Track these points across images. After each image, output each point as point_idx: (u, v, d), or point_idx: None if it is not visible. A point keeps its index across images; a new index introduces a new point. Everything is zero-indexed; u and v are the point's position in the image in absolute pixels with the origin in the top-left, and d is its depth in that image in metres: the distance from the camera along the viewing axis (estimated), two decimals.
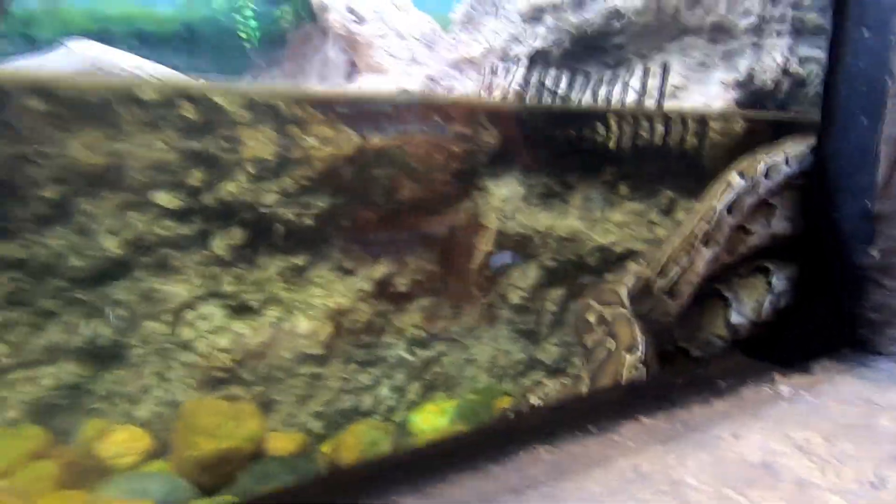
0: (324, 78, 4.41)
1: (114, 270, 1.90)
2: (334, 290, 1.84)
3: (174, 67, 4.09)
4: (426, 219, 1.88)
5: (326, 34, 5.37)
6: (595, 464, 0.92)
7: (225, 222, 1.89)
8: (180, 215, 1.90)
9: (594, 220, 1.73)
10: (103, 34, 5.28)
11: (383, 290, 1.84)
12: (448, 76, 2.44)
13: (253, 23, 5.46)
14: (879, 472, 0.90)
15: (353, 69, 4.27)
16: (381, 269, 1.86)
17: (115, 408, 1.81)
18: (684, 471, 0.92)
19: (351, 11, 3.51)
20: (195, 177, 1.89)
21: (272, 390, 1.78)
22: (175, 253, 1.90)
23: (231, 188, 1.88)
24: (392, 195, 1.87)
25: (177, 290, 1.88)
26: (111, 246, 1.89)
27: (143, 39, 5.20)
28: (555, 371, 1.79)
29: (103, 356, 1.88)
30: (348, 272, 1.88)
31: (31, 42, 4.90)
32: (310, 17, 5.76)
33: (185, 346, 1.82)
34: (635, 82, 2.00)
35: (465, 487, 0.85)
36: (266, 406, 1.77)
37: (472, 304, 1.89)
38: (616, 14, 1.95)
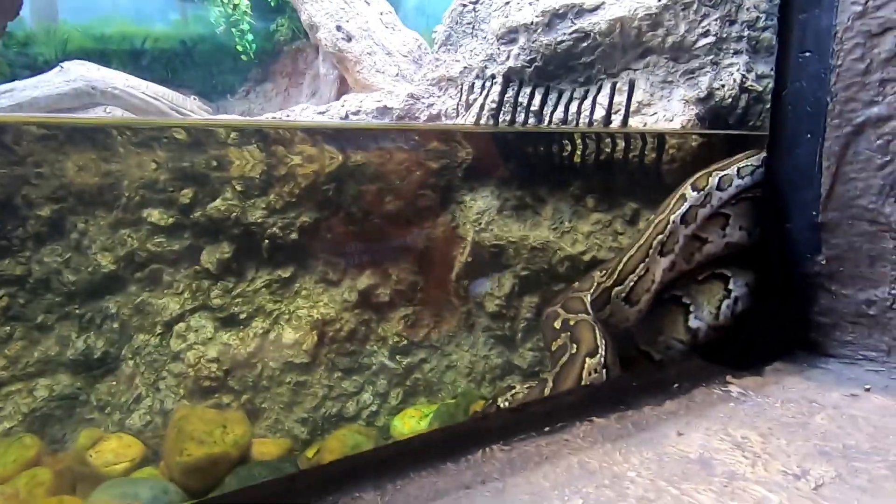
0: (315, 91, 4.53)
1: (108, 285, 1.98)
2: (319, 301, 1.92)
3: (169, 84, 4.20)
4: (406, 231, 1.97)
5: (318, 50, 5.49)
6: (545, 461, 0.99)
7: (214, 237, 1.98)
8: (171, 231, 1.99)
9: (564, 231, 1.82)
10: (101, 53, 5.39)
11: (366, 299, 1.93)
12: (429, 94, 2.54)
13: (249, 36, 5.58)
14: (803, 465, 0.97)
15: (342, 83, 4.38)
16: (364, 280, 1.95)
17: (108, 417, 1.89)
18: (627, 466, 0.99)
19: (339, 30, 3.62)
20: (185, 194, 1.98)
21: (259, 398, 1.86)
22: (166, 267, 1.99)
23: (219, 205, 1.97)
24: (373, 209, 1.96)
25: (168, 303, 1.96)
26: (105, 261, 1.97)
27: (140, 57, 5.32)
28: (530, 375, 1.87)
29: (97, 367, 1.96)
30: (333, 283, 1.96)
31: (32, 60, 5.02)
32: (306, 35, 5.89)
33: (176, 356, 1.90)
34: (603, 99, 2.09)
35: (423, 484, 0.93)
36: (253, 413, 1.84)
37: (452, 312, 1.97)
38: (583, 35, 2.05)
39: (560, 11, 2.09)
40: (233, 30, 5.53)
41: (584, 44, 2.08)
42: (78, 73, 3.18)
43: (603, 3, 2.04)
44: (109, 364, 1.96)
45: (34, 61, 5.09)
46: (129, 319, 1.97)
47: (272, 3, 5.65)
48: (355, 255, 1.96)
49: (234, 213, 1.97)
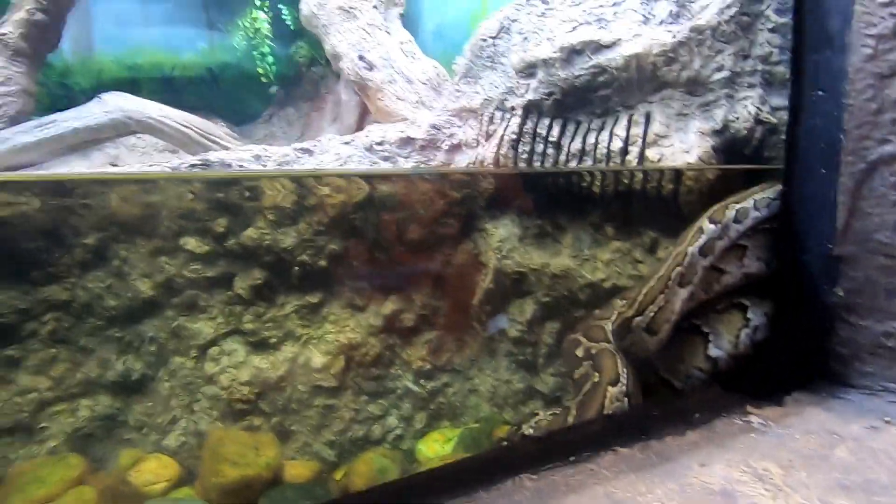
0: (336, 117, 4.68)
1: (147, 310, 2.08)
2: (346, 326, 1.99)
3: (197, 110, 4.38)
4: (430, 258, 2.04)
5: (339, 77, 5.67)
6: (572, 490, 1.04)
7: (246, 264, 2.07)
8: (206, 258, 2.09)
9: (584, 259, 1.87)
10: (133, 81, 5.64)
11: (391, 324, 2.00)
12: (450, 124, 2.63)
13: (270, 59, 5.78)
14: (824, 498, 1.01)
15: (363, 109, 4.52)
16: (389, 306, 2.02)
17: (145, 437, 1.97)
18: (652, 497, 1.03)
19: (362, 59, 3.76)
20: (220, 224, 2.08)
21: (288, 421, 1.93)
22: (201, 293, 2.09)
23: (252, 233, 2.07)
24: (398, 236, 2.04)
25: (202, 327, 2.05)
26: (144, 287, 2.08)
27: (169, 85, 5.55)
28: (551, 401, 1.91)
29: (135, 389, 2.05)
30: (359, 309, 2.04)
31: (69, 89, 5.27)
32: (326, 61, 6.09)
33: (210, 379, 1.99)
34: (620, 130, 2.16)
35: None
36: (283, 435, 1.91)
37: (474, 337, 2.03)
38: (601, 70, 2.13)
39: (578, 48, 2.18)
40: (254, 53, 5.74)
41: (602, 78, 2.15)
42: (115, 104, 3.35)
43: (619, 39, 2.12)
44: (146, 386, 2.05)
45: (71, 90, 5.34)
46: (165, 343, 2.06)
47: (292, 27, 5.84)
48: (380, 282, 2.04)
49: (266, 242, 2.07)
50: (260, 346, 2.01)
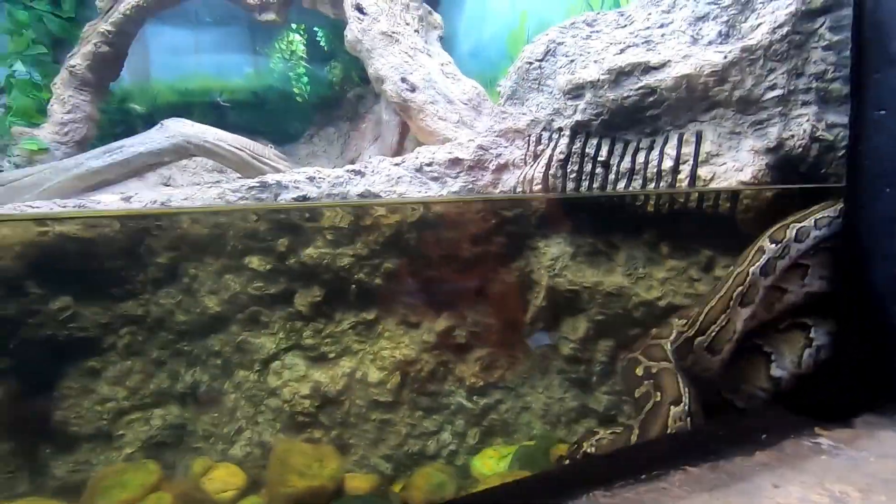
0: (377, 136, 4.82)
1: (213, 325, 2.20)
2: (401, 343, 2.05)
3: (244, 132, 4.60)
4: (482, 276, 2.09)
5: (379, 96, 5.85)
6: None
7: (306, 282, 2.17)
8: (269, 276, 2.20)
9: (638, 277, 1.89)
10: (186, 106, 5.98)
11: (444, 341, 2.05)
12: (497, 144, 2.70)
13: (304, 79, 6.00)
14: None
15: (403, 129, 4.65)
16: (441, 323, 2.07)
17: (212, 447, 2.07)
18: None
19: (404, 81, 3.89)
20: (282, 243, 2.19)
21: (347, 434, 1.99)
22: (264, 309, 2.19)
23: (311, 252, 2.17)
24: (451, 255, 2.10)
25: (265, 342, 2.15)
26: (211, 304, 2.20)
27: (218, 108, 5.85)
28: (606, 419, 1.91)
29: (202, 400, 2.16)
30: (413, 325, 2.10)
31: (128, 115, 5.62)
32: (361, 80, 6.29)
33: (272, 392, 2.07)
34: (671, 149, 2.17)
35: None
36: (342, 448, 1.97)
37: (526, 354, 2.06)
38: (650, 91, 2.16)
39: (626, 70, 2.22)
40: (290, 74, 5.96)
41: (651, 99, 2.18)
42: (176, 130, 3.57)
43: (668, 61, 2.15)
44: (212, 397, 2.15)
45: (129, 116, 5.69)
46: (230, 357, 2.17)
47: (325, 48, 6.03)
48: (433, 299, 2.10)
49: (325, 260, 2.16)
50: (319, 360, 2.09)
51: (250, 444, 2.02)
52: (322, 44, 5.70)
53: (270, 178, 2.82)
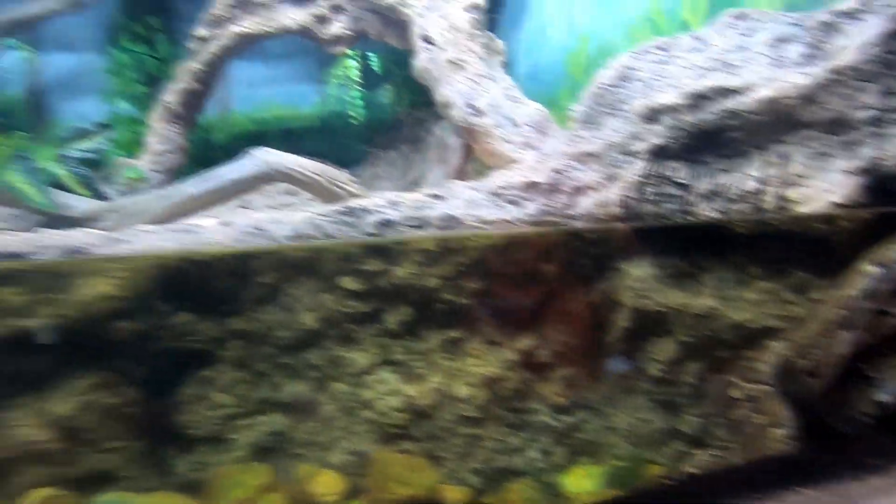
0: (442, 159, 5.00)
1: (310, 340, 2.38)
2: (486, 360, 2.15)
3: (313, 156, 4.90)
4: (565, 295, 2.16)
5: (439, 119, 6.07)
6: None
7: (395, 302, 2.31)
8: (361, 296, 2.36)
9: (728, 299, 1.89)
10: (261, 134, 6.44)
11: (528, 360, 2.12)
12: (571, 168, 2.78)
13: (359, 102, 6.27)
14: None
15: (468, 151, 4.80)
16: (525, 342, 2.15)
17: (311, 453, 2.22)
18: None
19: (470, 106, 4.05)
20: (373, 264, 2.35)
21: (437, 447, 2.09)
22: (356, 327, 2.35)
23: (401, 273, 2.31)
24: (534, 275, 2.19)
25: (357, 357, 2.30)
26: (308, 320, 2.38)
27: (290, 135, 6.28)
28: (696, 441, 1.91)
29: (301, 410, 2.33)
30: (497, 344, 2.19)
31: (209, 145, 6.12)
32: (423, 104, 6.54)
33: (366, 404, 2.21)
34: (754, 171, 2.18)
35: None
36: (433, 461, 2.07)
37: (610, 374, 2.10)
38: (732, 114, 2.18)
39: (706, 94, 2.26)
40: (345, 97, 6.23)
41: (733, 122, 2.21)
42: (262, 159, 3.87)
43: (750, 84, 2.17)
44: (311, 408, 2.31)
45: (211, 144, 6.20)
46: (326, 370, 2.33)
47: (378, 72, 6.26)
48: (517, 319, 2.18)
49: (413, 281, 2.30)
50: (409, 376, 2.21)
51: (347, 453, 2.16)
52: (374, 68, 5.94)
53: (355, 202, 3.02)
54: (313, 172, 3.95)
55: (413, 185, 6.13)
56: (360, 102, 6.41)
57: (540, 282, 2.15)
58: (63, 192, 4.20)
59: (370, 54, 6.41)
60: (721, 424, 1.73)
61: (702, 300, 1.93)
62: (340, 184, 4.08)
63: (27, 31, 5.32)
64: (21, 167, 3.94)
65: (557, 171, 2.82)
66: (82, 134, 4.51)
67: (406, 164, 6.25)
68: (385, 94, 6.65)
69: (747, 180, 2.15)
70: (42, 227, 4.09)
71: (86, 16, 5.43)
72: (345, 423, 2.22)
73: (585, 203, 2.73)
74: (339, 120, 6.42)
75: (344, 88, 6.29)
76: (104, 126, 4.85)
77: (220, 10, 4.90)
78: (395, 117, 6.65)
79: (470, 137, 4.28)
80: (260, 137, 6.41)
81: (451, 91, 4.35)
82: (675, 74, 2.52)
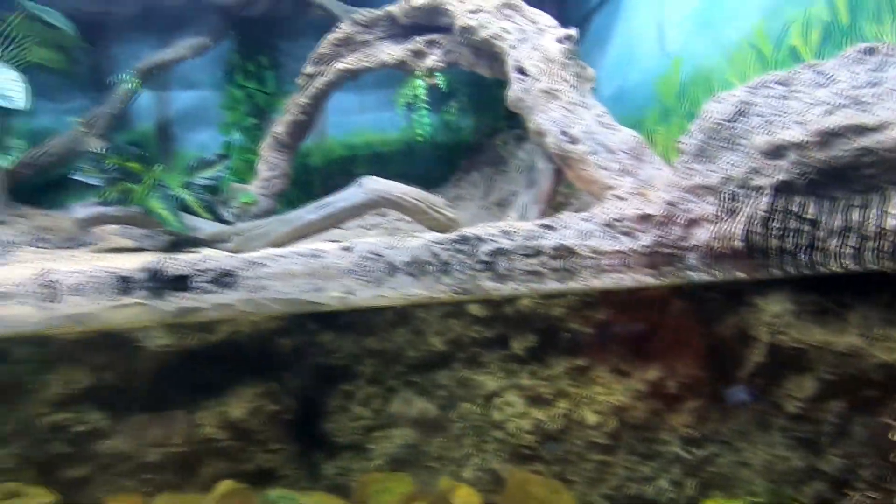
0: (531, 182, 5.13)
1: (438, 362, 2.56)
2: (614, 389, 2.23)
3: (399, 178, 5.18)
4: (695, 327, 2.21)
5: (521, 141, 6.22)
6: None
7: (521, 328, 2.46)
8: (487, 322, 2.52)
9: (875, 338, 1.88)
10: (352, 159, 6.87)
11: (657, 391, 2.19)
12: (686, 201, 2.83)
13: (427, 119, 6.35)
14: None
15: (558, 175, 4.91)
16: (653, 372, 2.22)
17: (443, 468, 2.39)
18: None
19: (565, 134, 4.17)
20: (498, 292, 2.51)
21: (567, 471, 2.19)
22: (483, 351, 2.51)
23: (526, 301, 2.45)
24: (662, 306, 2.26)
25: (485, 380, 2.46)
26: (437, 343, 2.57)
27: (378, 158, 6.67)
28: (840, 482, 1.89)
29: (431, 426, 2.51)
30: (624, 373, 2.27)
31: (307, 169, 6.60)
32: (499, 126, 6.72)
33: (496, 425, 2.35)
34: (893, 209, 2.15)
35: None
36: (565, 484, 2.17)
37: (744, 409, 2.12)
38: (866, 151, 2.17)
39: (837, 132, 2.26)
40: (413, 116, 6.35)
41: (867, 159, 2.20)
42: (371, 187, 4.18)
43: (888, 122, 2.16)
44: (441, 424, 2.49)
45: (309, 169, 6.69)
46: (454, 390, 2.50)
47: (444, 91, 6.33)
48: (645, 349, 2.25)
49: (539, 309, 2.43)
50: (537, 400, 2.34)
51: (479, 470, 2.30)
52: (441, 86, 5.98)
53: (468, 231, 3.21)
54: (415, 199, 4.21)
55: (496, 207, 6.31)
56: (427, 121, 6.55)
57: (670, 313, 2.22)
58: (189, 216, 4.70)
59: (438, 74, 6.55)
60: (872, 465, 1.71)
61: (846, 338, 1.92)
62: (439, 209, 4.31)
63: (163, 73, 6.04)
64: (159, 194, 4.47)
65: (671, 204, 2.88)
66: (205, 163, 5.04)
67: (488, 186, 6.45)
68: (450, 112, 6.83)
69: (887, 217, 2.13)
70: (169, 248, 4.59)
71: (205, 58, 6.08)
72: (476, 441, 2.37)
73: (702, 235, 2.77)
74: (423, 144, 6.73)
75: (413, 107, 6.39)
76: (223, 156, 5.39)
77: (326, 49, 5.34)
78: (476, 140, 6.88)
79: (564, 164, 4.40)
80: (351, 161, 6.86)
81: (545, 119, 4.49)
82: (797, 110, 2.53)
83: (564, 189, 5.51)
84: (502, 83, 5.44)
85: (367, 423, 2.49)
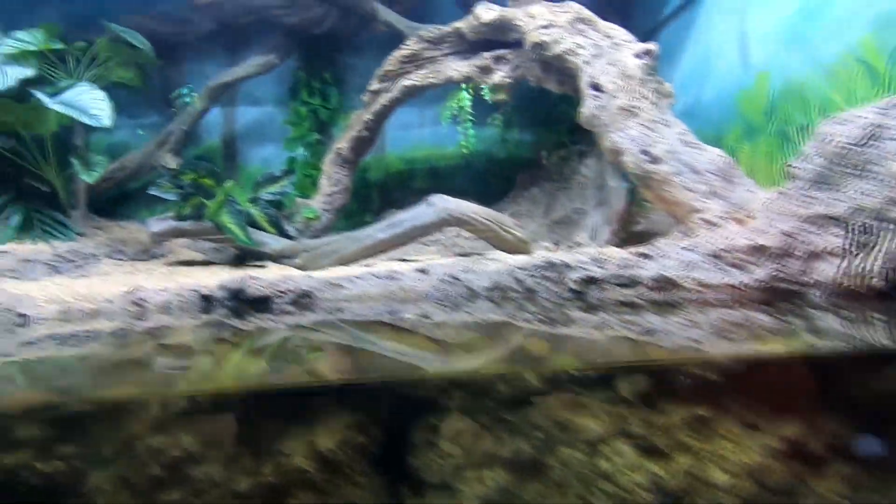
0: (601, 201, 4.93)
1: (533, 400, 2.38)
2: (745, 445, 1.99)
3: (456, 193, 5.05)
4: (841, 380, 1.96)
5: (583, 158, 6.01)
6: None
7: (629, 369, 2.25)
8: None
9: None
10: (410, 173, 6.82)
11: (797, 450, 1.94)
12: (805, 231, 2.58)
13: (471, 131, 6.23)
14: None
15: (632, 196, 4.69)
16: (791, 429, 1.97)
17: None
18: None
19: (645, 153, 3.96)
20: None
21: None
22: (584, 391, 2.32)
23: None
24: (800, 360, 2.01)
25: (588, 423, 2.26)
26: (532, 379, 2.39)
27: (436, 173, 6.60)
28: None
29: (526, 469, 2.33)
30: (754, 427, 2.03)
31: (366, 183, 6.59)
32: (561, 142, 6.53)
33: (604, 476, 2.15)
34: None
35: None
36: None
37: None
38: None
39: None
40: (458, 127, 6.25)
41: None
42: (441, 206, 4.08)
43: None
44: (536, 468, 2.30)
45: (367, 183, 6.69)
46: (552, 432, 2.31)
47: (490, 103, 6.19)
48: (780, 400, 2.01)
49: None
50: (651, 451, 2.12)
51: None
52: (486, 98, 5.87)
53: (554, 257, 3.04)
54: (485, 218, 4.08)
55: (556, 224, 6.10)
56: (472, 133, 6.45)
57: (808, 364, 1.98)
58: (255, 230, 4.72)
59: (482, 86, 6.43)
60: None
61: None
62: (509, 229, 4.17)
63: (232, 90, 6.18)
64: (229, 209, 4.50)
65: (789, 235, 2.63)
66: (271, 178, 5.08)
67: (549, 203, 6.26)
68: (494, 123, 6.68)
69: None
70: (236, 261, 4.62)
71: (269, 74, 6.19)
72: (581, 490, 2.17)
73: (827, 270, 2.51)
74: (481, 158, 6.62)
75: (457, 118, 6.31)
76: (288, 172, 5.43)
77: (392, 66, 5.32)
78: (535, 155, 6.71)
79: (644, 185, 4.17)
80: (409, 176, 6.82)
81: (623, 137, 4.29)
82: None
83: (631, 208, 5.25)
84: (566, 98, 5.26)
85: (456, 461, 2.33)
